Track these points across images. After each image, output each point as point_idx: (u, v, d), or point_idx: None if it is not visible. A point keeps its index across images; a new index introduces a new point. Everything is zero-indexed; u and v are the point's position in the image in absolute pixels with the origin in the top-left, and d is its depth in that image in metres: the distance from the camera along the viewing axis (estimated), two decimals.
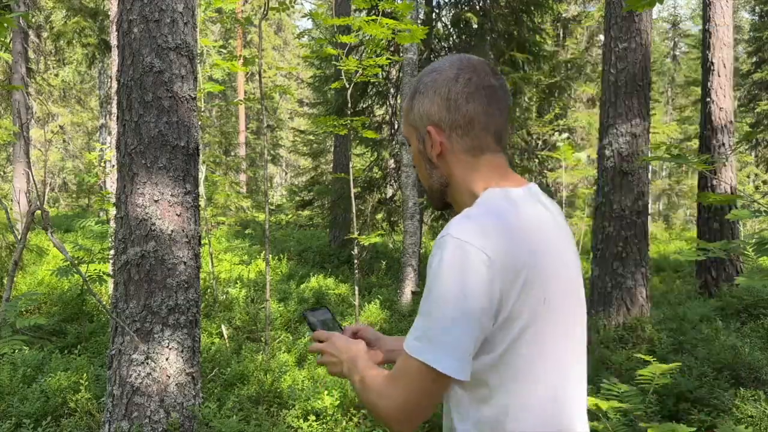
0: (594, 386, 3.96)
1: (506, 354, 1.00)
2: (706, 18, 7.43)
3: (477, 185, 1.11)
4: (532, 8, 8.95)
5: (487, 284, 0.96)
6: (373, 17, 4.83)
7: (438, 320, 0.98)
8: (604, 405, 2.18)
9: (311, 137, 20.29)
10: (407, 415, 1.01)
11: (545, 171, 12.03)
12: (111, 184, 7.45)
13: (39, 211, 2.35)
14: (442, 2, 9.30)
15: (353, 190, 5.31)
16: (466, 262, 0.97)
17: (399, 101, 9.29)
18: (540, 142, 11.92)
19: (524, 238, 1.02)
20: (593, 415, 3.29)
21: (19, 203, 13.00)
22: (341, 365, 1.17)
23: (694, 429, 2.26)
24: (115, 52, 6.39)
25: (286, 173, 35.55)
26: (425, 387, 1.00)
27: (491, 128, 1.11)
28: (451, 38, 9.19)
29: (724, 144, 7.21)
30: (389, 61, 5.62)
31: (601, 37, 14.15)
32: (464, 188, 1.13)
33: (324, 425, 3.39)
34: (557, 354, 1.05)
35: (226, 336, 4.95)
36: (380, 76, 9.12)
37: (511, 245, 1.00)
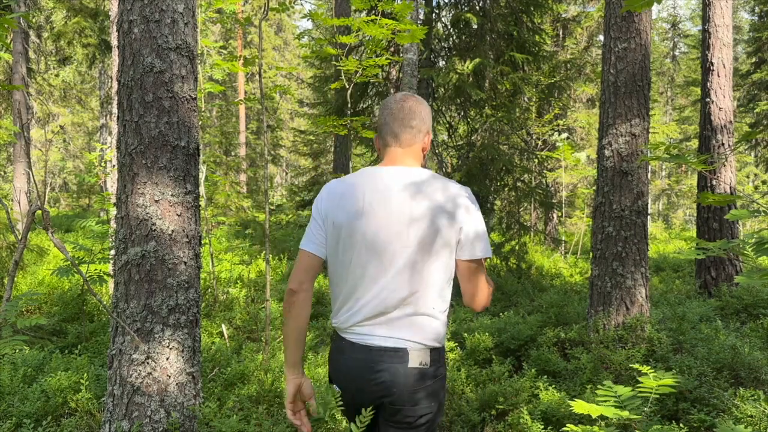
0: (594, 385, 3.97)
1: (331, 258, 1.84)
2: (705, 18, 7.44)
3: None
4: (532, 8, 8.94)
5: (321, 213, 1.84)
6: (373, 17, 4.84)
7: (309, 227, 1.88)
8: (606, 412, 2.13)
9: (311, 137, 20.28)
10: (291, 278, 1.85)
11: (545, 171, 12.02)
12: (111, 184, 7.45)
13: (39, 211, 2.36)
14: (442, 2, 9.29)
15: None
16: (318, 200, 1.87)
17: None
18: (540, 142, 11.91)
19: (351, 195, 1.80)
20: (588, 419, 3.29)
21: (19, 203, 13.01)
22: None
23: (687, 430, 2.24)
24: (115, 53, 6.39)
25: (287, 173, 35.54)
26: (301, 260, 1.85)
27: (388, 133, 1.88)
28: (451, 38, 9.17)
29: (723, 144, 7.22)
30: (389, 61, 5.62)
31: (601, 37, 14.14)
32: None
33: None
34: (363, 267, 1.78)
35: (226, 336, 4.96)
36: (380, 77, 9.11)
37: (335, 197, 1.82)
